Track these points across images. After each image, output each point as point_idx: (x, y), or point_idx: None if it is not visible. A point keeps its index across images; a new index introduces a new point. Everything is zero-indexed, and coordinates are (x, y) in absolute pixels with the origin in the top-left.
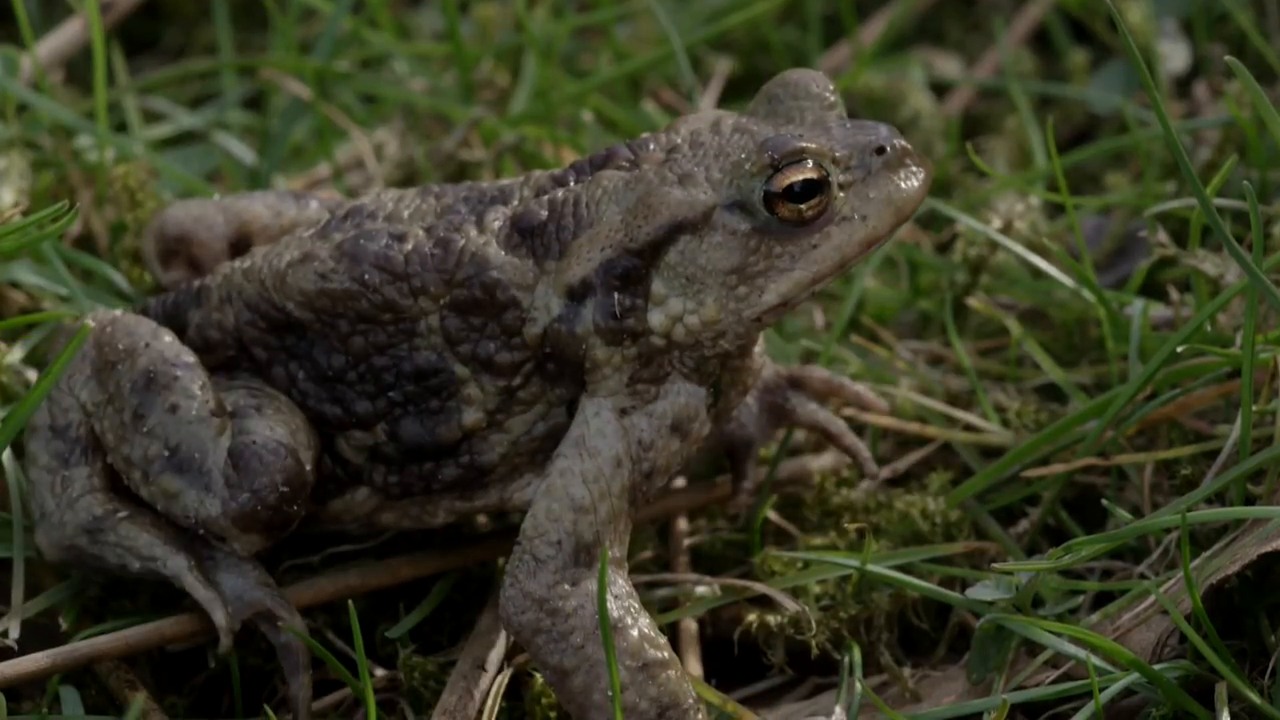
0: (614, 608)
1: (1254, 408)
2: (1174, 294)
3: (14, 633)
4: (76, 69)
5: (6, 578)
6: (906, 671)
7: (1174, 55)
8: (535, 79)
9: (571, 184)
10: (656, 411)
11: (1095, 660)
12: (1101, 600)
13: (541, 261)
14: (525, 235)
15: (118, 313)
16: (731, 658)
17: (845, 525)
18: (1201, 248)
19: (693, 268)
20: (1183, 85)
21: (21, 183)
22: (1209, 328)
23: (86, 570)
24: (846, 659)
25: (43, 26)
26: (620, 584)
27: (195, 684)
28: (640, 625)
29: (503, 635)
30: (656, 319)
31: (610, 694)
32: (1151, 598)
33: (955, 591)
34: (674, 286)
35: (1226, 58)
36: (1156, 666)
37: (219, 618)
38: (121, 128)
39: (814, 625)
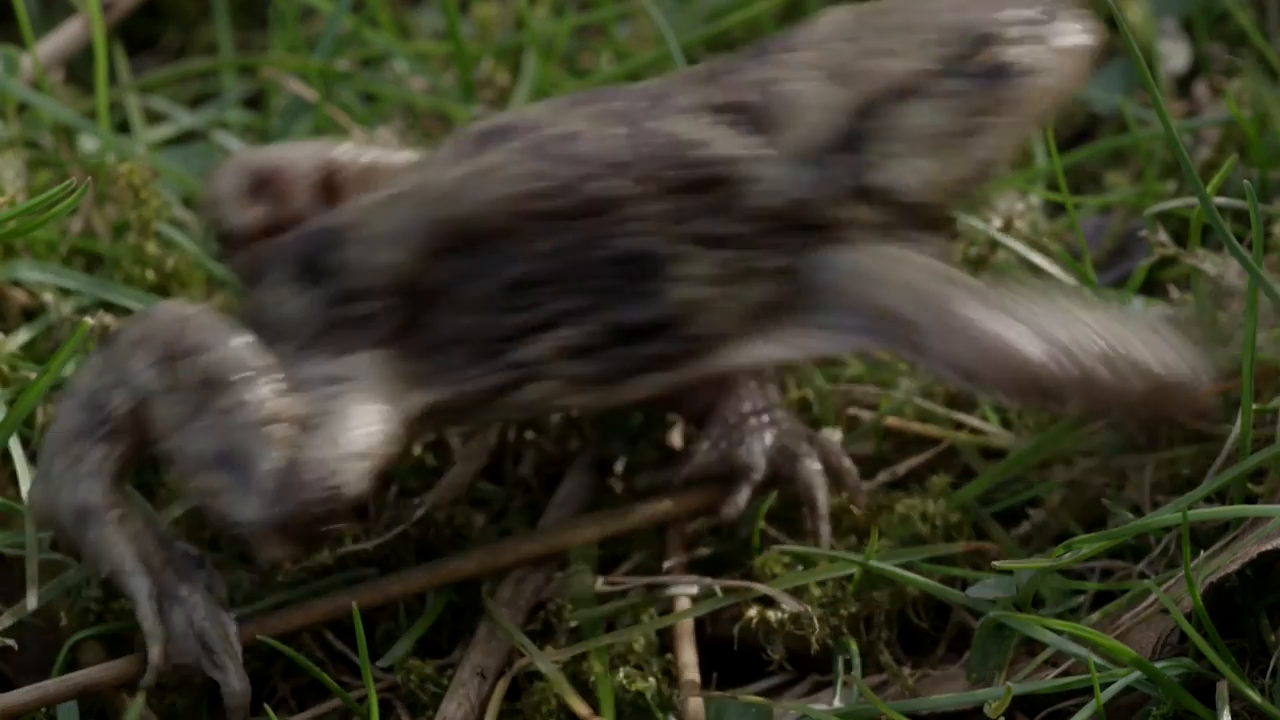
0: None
1: (1254, 406)
2: (1174, 293)
3: (32, 603)
4: (77, 68)
5: (7, 576)
6: (906, 670)
7: (1174, 54)
8: (535, 78)
9: (751, 67)
10: None
11: (1095, 659)
12: (1101, 599)
13: (754, 135)
14: (727, 112)
15: (191, 308)
16: (731, 655)
17: (845, 526)
18: (1202, 247)
19: (914, 129)
20: (1183, 84)
21: (18, 181)
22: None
23: (60, 541)
24: (845, 657)
25: (43, 26)
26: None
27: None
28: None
29: (501, 641)
30: (884, 178)
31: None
32: (1152, 597)
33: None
34: (900, 148)
35: (1229, 55)
36: (1157, 665)
37: (154, 654)
38: (122, 127)
39: (815, 622)
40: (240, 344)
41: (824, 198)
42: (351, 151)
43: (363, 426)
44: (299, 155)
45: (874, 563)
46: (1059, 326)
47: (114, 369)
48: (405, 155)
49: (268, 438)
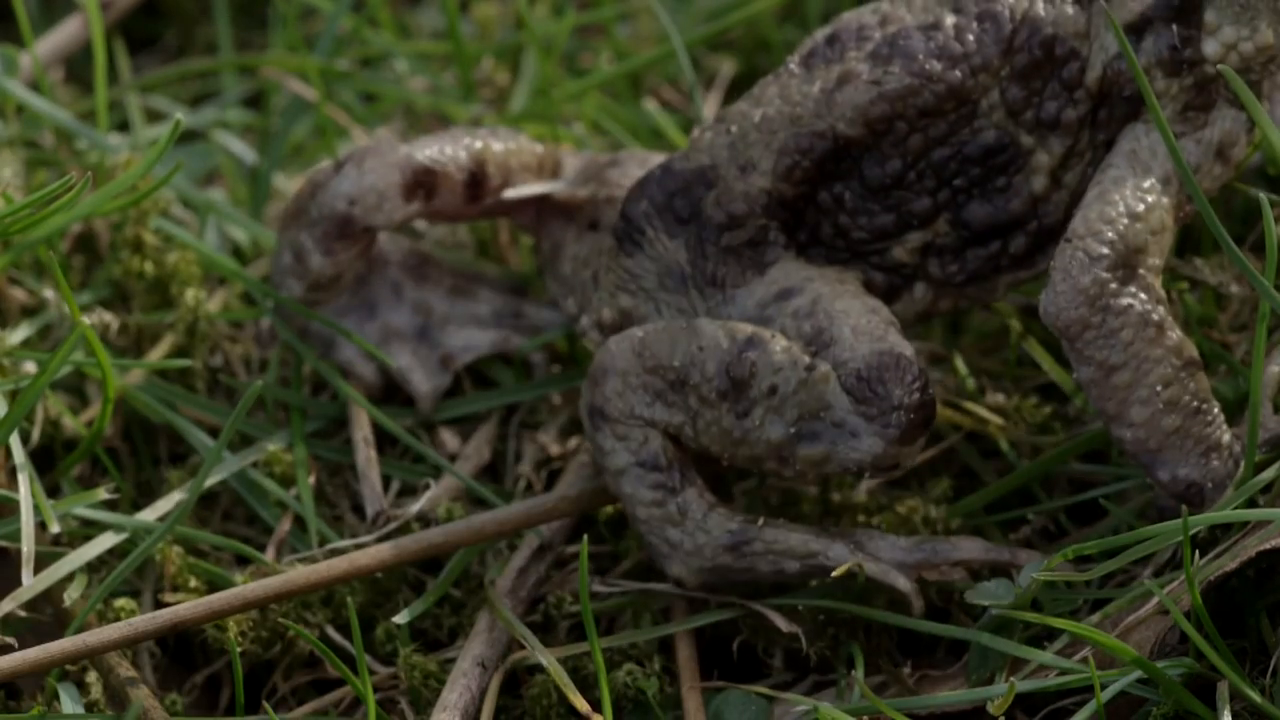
0: (1157, 311)
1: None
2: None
3: (27, 579)
4: (76, 67)
5: (7, 575)
6: (906, 670)
7: None
8: (535, 77)
9: None
10: (1204, 139)
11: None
12: (1101, 599)
13: (1088, 7)
14: None
15: (639, 330)
16: (731, 654)
17: (844, 526)
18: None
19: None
20: None
21: (16, 180)
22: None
23: (730, 585)
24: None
25: (42, 25)
26: (1160, 290)
27: (195, 682)
28: (1177, 328)
29: (502, 633)
30: (1211, 47)
31: (1157, 389)
32: (1154, 598)
33: (956, 596)
34: (1227, 15)
35: (1220, 66)
36: (1158, 665)
37: (902, 584)
38: (122, 126)
39: (805, 646)
40: (711, 327)
41: (1145, 70)
42: (498, 146)
43: (865, 313)
44: (451, 152)
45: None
46: None
47: (627, 423)
48: (535, 145)
49: (821, 381)
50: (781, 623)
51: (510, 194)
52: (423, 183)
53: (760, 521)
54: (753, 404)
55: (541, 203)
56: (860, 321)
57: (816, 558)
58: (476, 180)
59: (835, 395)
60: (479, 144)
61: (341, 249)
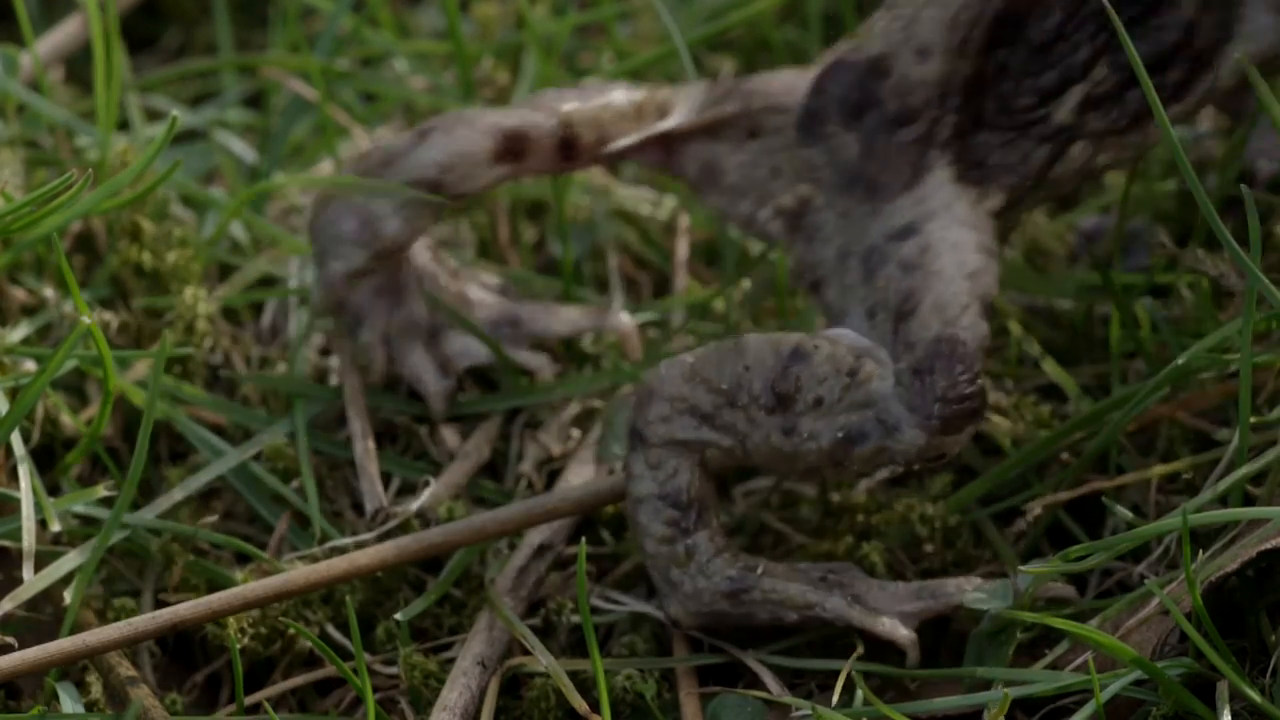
0: None
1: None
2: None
3: (29, 575)
4: (76, 67)
5: (7, 575)
6: (906, 673)
7: None
8: (536, 76)
9: None
10: None
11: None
12: (1101, 600)
13: None
14: None
15: (689, 356)
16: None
17: (842, 527)
18: (1201, 248)
19: None
20: None
21: (16, 179)
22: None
23: (726, 629)
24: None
25: (43, 24)
26: None
27: (195, 681)
28: None
29: (502, 633)
30: None
31: None
32: (1154, 598)
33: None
34: None
35: (1236, 55)
36: (1158, 665)
37: (901, 636)
38: (123, 126)
39: (792, 710)
40: (758, 343)
41: None
42: (585, 108)
43: (958, 280)
44: (539, 117)
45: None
46: None
47: (662, 451)
48: (631, 93)
49: (865, 381)
50: (772, 685)
51: (615, 147)
52: (512, 149)
53: (760, 569)
54: (799, 417)
55: (667, 139)
56: (947, 292)
57: (814, 609)
58: (568, 142)
59: (880, 391)
60: (568, 106)
61: (424, 217)
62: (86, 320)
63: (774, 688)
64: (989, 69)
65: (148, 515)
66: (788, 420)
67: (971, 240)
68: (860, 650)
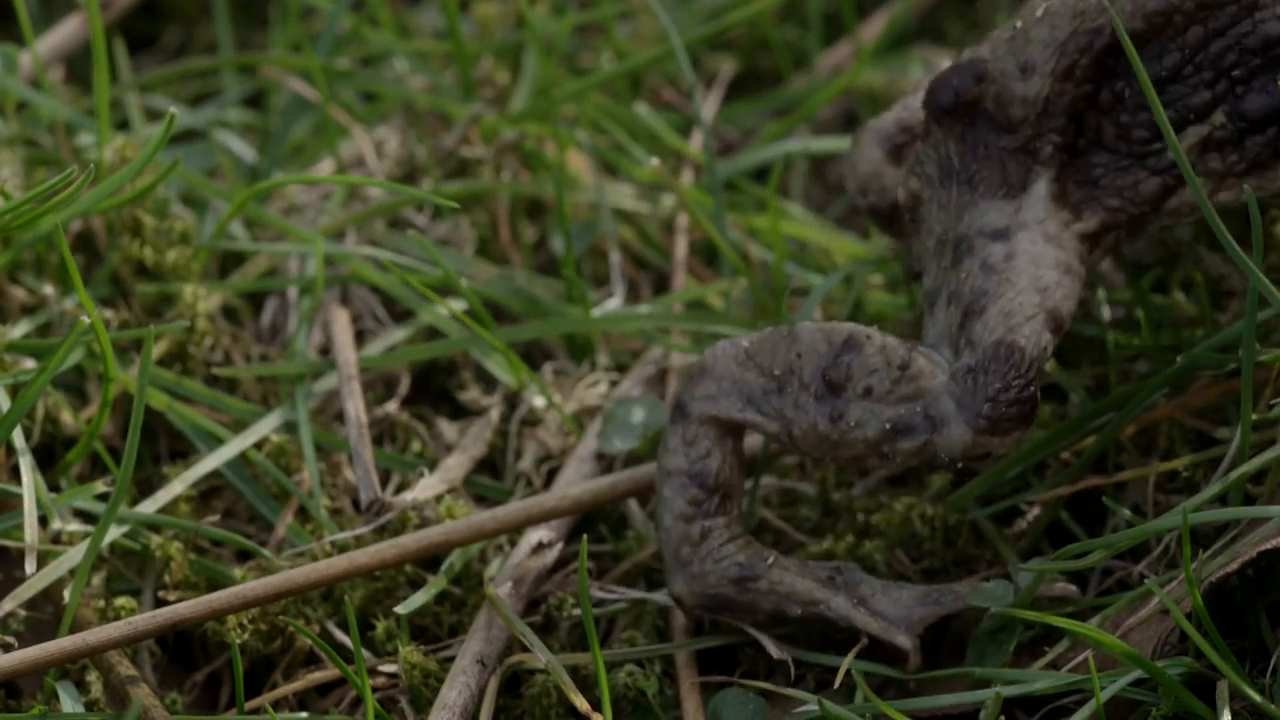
0: None
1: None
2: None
3: (31, 568)
4: (76, 66)
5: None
6: (905, 671)
7: None
8: (536, 76)
9: None
10: None
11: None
12: (1101, 599)
13: None
14: None
15: (745, 340)
16: (732, 654)
17: (842, 526)
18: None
19: None
20: None
21: (15, 179)
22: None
23: (728, 614)
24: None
25: (43, 23)
26: None
27: (196, 681)
28: None
29: (501, 631)
30: None
31: None
32: (1154, 598)
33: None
34: None
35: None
36: (1158, 664)
37: (903, 642)
38: (123, 126)
39: (793, 674)
40: (812, 330)
41: None
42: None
43: (1030, 291)
44: (912, 100)
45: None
46: None
47: (697, 431)
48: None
49: (916, 377)
50: (773, 649)
51: None
52: (900, 143)
53: (770, 560)
54: (848, 405)
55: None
56: (1017, 301)
57: (818, 607)
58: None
59: (931, 386)
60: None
61: (888, 223)
62: (89, 315)
63: (774, 651)
64: (1104, 96)
65: (147, 509)
66: (836, 407)
67: (1052, 257)
68: (863, 642)
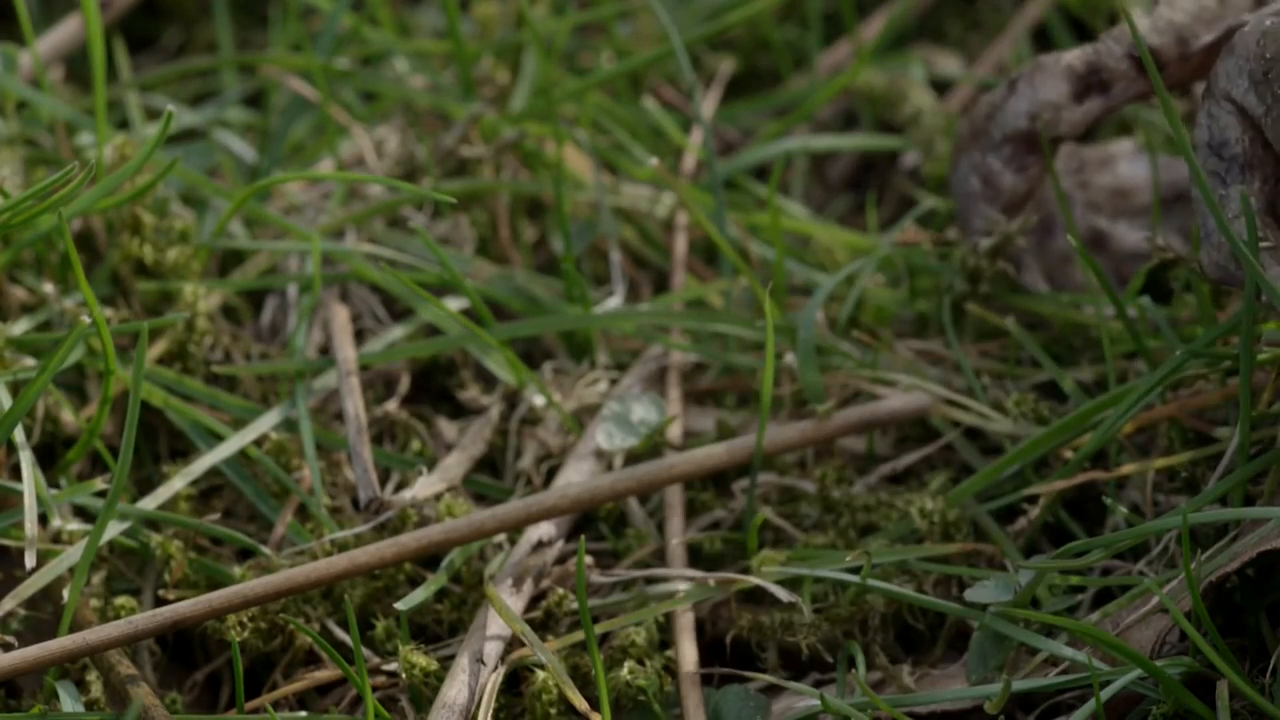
0: None
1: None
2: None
3: (30, 562)
4: (76, 66)
5: (6, 571)
6: (905, 670)
7: None
8: (536, 76)
9: None
10: None
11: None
12: (1101, 599)
13: None
14: None
15: (1267, 21)
16: (732, 654)
17: (844, 522)
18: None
19: None
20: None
21: (15, 179)
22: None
23: (1236, 283)
24: (845, 656)
25: (43, 23)
26: None
27: (196, 680)
28: None
29: (501, 629)
30: None
31: None
32: (1153, 597)
33: (954, 592)
34: None
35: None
36: (1158, 664)
37: None
38: (122, 125)
39: (808, 615)
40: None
41: None
42: (1155, 16)
43: None
44: (1107, 45)
45: (872, 582)
46: None
47: (1223, 106)
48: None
49: None
50: (782, 594)
51: (1199, 44)
52: (1091, 84)
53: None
54: None
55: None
56: None
57: None
58: (1154, 57)
59: None
60: (1145, 20)
61: (1032, 164)
62: (91, 309)
63: (783, 596)
64: None
65: (147, 505)
66: None
67: None
68: (859, 641)
